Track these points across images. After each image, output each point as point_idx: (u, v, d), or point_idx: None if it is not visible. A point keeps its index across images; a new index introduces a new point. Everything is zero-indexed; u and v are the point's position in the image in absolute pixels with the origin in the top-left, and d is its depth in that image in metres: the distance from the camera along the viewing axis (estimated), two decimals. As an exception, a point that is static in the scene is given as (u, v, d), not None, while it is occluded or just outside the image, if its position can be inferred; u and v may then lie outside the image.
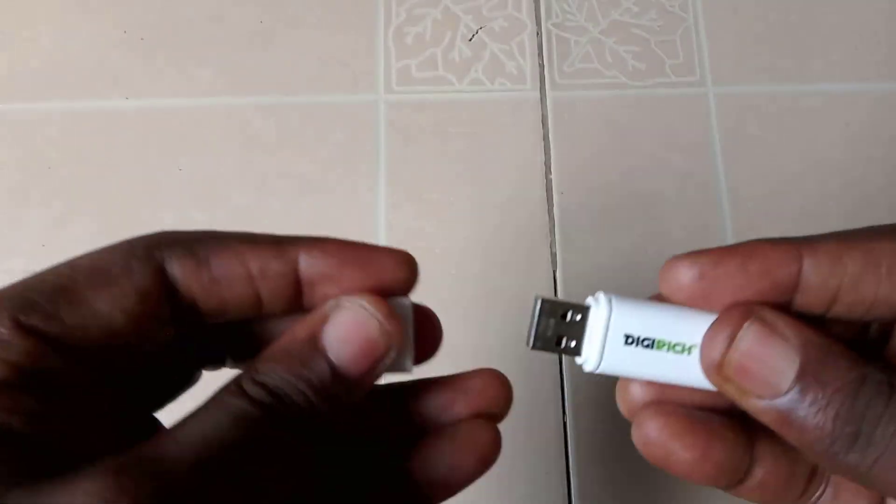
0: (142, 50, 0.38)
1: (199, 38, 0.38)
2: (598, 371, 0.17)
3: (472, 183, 0.36)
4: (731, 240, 0.35)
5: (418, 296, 0.18)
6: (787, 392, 0.15)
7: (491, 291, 0.34)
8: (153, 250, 0.16)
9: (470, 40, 0.39)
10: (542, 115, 0.37)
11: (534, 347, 0.17)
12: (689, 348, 0.17)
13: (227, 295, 0.16)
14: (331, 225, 0.35)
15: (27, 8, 0.39)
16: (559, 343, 0.17)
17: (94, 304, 0.15)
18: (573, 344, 0.17)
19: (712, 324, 0.16)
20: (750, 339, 0.16)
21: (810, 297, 0.16)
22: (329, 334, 0.16)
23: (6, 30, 0.38)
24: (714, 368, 0.16)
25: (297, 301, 0.17)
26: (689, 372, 0.17)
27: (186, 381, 0.18)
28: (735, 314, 0.16)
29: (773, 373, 0.15)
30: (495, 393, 0.19)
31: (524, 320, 0.19)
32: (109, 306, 0.15)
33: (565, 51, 0.39)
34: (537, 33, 0.39)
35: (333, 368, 0.15)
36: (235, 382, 0.15)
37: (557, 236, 0.35)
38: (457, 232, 0.35)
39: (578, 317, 0.17)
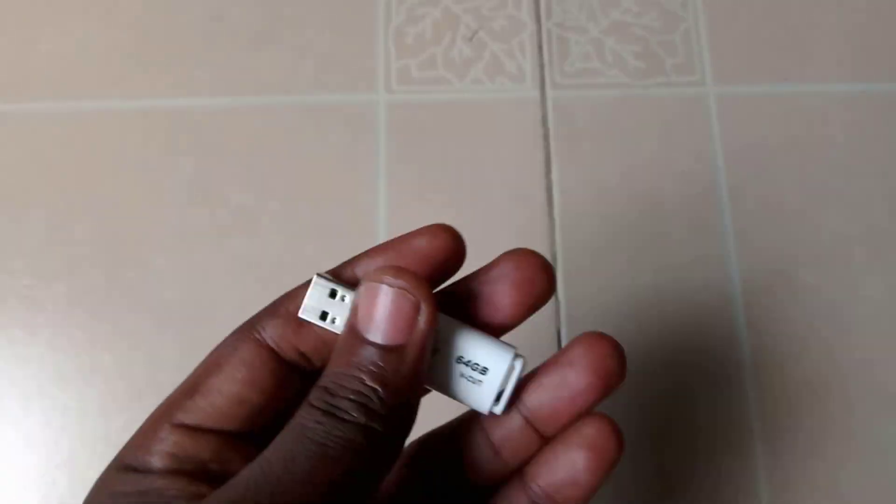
0: (142, 50, 0.38)
1: (199, 38, 0.38)
2: None
3: (472, 183, 0.36)
4: (731, 238, 0.36)
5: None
6: None
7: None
8: (252, 326, 0.18)
9: (470, 40, 0.39)
10: (542, 115, 0.37)
11: (301, 315, 0.18)
12: None
13: (319, 332, 0.18)
14: (331, 225, 0.35)
15: (27, 8, 0.39)
16: (324, 318, 0.18)
17: (217, 387, 0.17)
18: (336, 320, 0.18)
19: None
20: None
21: None
22: (359, 318, 0.17)
23: (6, 30, 0.38)
24: None
25: None
26: None
27: None
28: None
29: None
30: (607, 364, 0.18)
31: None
32: (228, 384, 0.17)
33: (565, 50, 0.39)
34: (537, 33, 0.39)
35: (378, 346, 0.16)
36: (308, 395, 0.16)
37: (557, 236, 0.35)
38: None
39: (346, 298, 0.18)
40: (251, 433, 0.18)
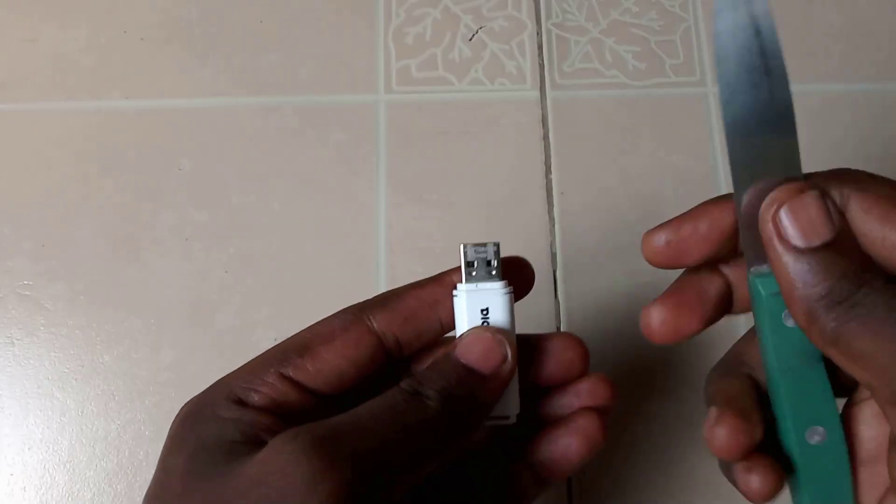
0: (142, 50, 0.38)
1: (199, 38, 0.38)
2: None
3: (472, 183, 0.36)
4: (730, 240, 0.36)
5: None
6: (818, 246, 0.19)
7: (491, 291, 0.34)
8: (362, 313, 0.22)
9: (470, 40, 0.39)
10: (542, 115, 0.37)
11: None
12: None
13: (419, 325, 0.22)
14: (331, 225, 0.35)
15: (27, 8, 0.39)
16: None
17: (326, 357, 0.21)
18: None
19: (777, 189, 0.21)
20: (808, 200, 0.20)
21: None
22: (459, 347, 0.21)
23: (6, 30, 0.39)
24: (771, 209, 0.20)
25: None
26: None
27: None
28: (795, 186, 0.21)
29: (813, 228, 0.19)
30: (602, 393, 0.23)
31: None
32: (335, 357, 0.21)
33: (565, 51, 0.39)
34: (537, 33, 0.39)
35: (466, 366, 0.21)
36: (399, 383, 0.21)
37: (557, 236, 0.35)
38: (457, 232, 0.35)
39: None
40: (333, 397, 0.22)
